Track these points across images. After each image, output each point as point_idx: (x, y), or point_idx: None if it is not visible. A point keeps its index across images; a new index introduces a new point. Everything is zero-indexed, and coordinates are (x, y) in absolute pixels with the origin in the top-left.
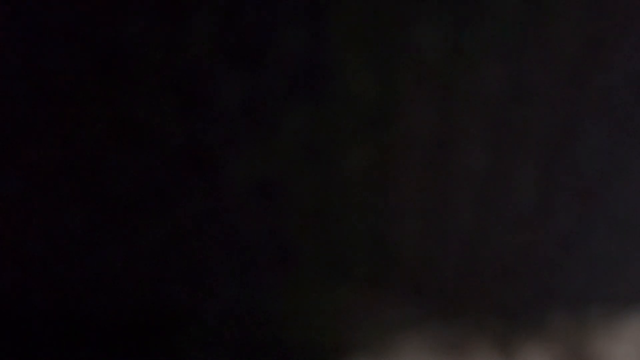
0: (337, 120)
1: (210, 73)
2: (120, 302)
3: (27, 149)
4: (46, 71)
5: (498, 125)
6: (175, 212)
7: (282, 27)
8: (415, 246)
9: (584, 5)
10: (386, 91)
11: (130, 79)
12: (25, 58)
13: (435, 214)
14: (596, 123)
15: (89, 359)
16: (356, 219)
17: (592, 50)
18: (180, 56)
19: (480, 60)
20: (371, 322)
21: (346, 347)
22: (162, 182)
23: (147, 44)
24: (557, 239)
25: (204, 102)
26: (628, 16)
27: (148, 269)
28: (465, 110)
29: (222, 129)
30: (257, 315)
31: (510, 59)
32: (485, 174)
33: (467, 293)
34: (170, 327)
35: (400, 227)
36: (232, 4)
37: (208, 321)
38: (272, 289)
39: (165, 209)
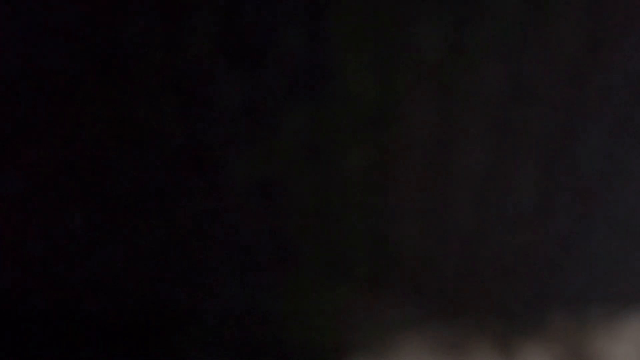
0: (337, 120)
1: (210, 73)
2: (120, 302)
3: (27, 149)
4: (46, 71)
5: (498, 125)
6: (175, 212)
7: (282, 27)
8: (415, 246)
9: (584, 5)
10: (386, 91)
11: (130, 79)
12: (25, 58)
13: (435, 214)
14: (596, 123)
15: (89, 359)
16: (356, 219)
17: (592, 50)
18: (180, 56)
19: (480, 60)
20: (371, 322)
21: (346, 347)
22: (162, 182)
23: (147, 44)
24: (557, 239)
25: (204, 102)
26: (628, 16)
27: (148, 269)
28: (465, 110)
29: (222, 129)
30: (257, 315)
31: (510, 59)
32: (485, 174)
33: (467, 293)
34: (170, 327)
35: (400, 227)
36: (232, 4)
37: (208, 321)
38: (272, 289)
39: (165, 209)
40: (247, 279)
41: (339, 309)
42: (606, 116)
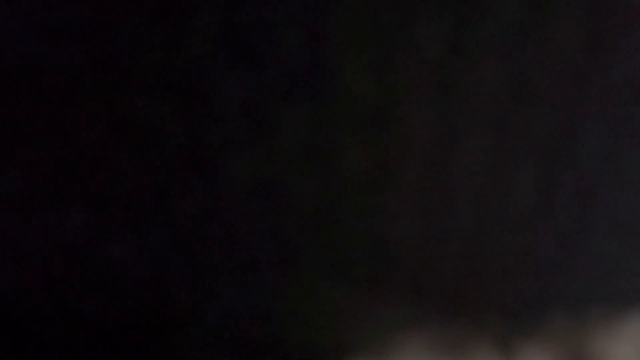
0: (337, 120)
1: (210, 73)
2: (120, 302)
3: (27, 149)
4: (46, 71)
5: (498, 125)
6: (175, 212)
7: (282, 27)
8: (415, 246)
9: (584, 5)
10: (386, 91)
11: (130, 79)
12: (25, 58)
13: (435, 214)
14: (596, 123)
15: (89, 359)
16: (356, 219)
17: (592, 50)
18: (180, 56)
19: (480, 60)
20: (371, 322)
21: (346, 347)
22: (162, 182)
23: (147, 44)
24: (557, 239)
25: (204, 102)
26: (628, 16)
27: (148, 269)
28: (465, 110)
29: (222, 129)
30: (257, 315)
31: (510, 59)
32: (485, 174)
33: (467, 293)
34: (170, 327)
35: (400, 227)
36: (232, 4)
37: (208, 321)
38: (272, 289)
39: (165, 209)
40: (247, 279)
41: (339, 309)
42: (606, 116)
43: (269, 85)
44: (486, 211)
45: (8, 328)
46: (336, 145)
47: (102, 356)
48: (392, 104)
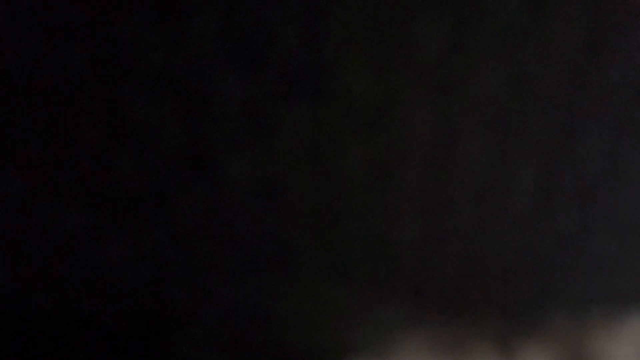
0: (337, 120)
1: (210, 73)
2: (120, 302)
3: (27, 149)
4: (46, 71)
5: (498, 125)
6: (175, 212)
7: (282, 27)
8: (415, 246)
9: (584, 5)
10: (386, 91)
11: (130, 79)
12: (25, 58)
13: (435, 214)
14: (596, 123)
15: (89, 359)
16: (356, 219)
17: (592, 50)
18: (180, 56)
19: (480, 60)
20: (371, 322)
21: (346, 347)
22: (162, 182)
23: (147, 44)
24: (557, 239)
25: (204, 102)
26: (628, 16)
27: (148, 269)
28: (465, 110)
29: (222, 129)
30: (257, 315)
31: (510, 59)
32: (485, 174)
33: (467, 293)
34: (170, 327)
35: (400, 227)
36: (232, 4)
37: (208, 321)
38: (272, 289)
39: (165, 209)
40: (247, 279)
41: (339, 309)
42: (606, 116)
43: (269, 85)
44: (486, 211)
45: (8, 328)
46: (336, 145)
47: (102, 356)
48: (392, 104)
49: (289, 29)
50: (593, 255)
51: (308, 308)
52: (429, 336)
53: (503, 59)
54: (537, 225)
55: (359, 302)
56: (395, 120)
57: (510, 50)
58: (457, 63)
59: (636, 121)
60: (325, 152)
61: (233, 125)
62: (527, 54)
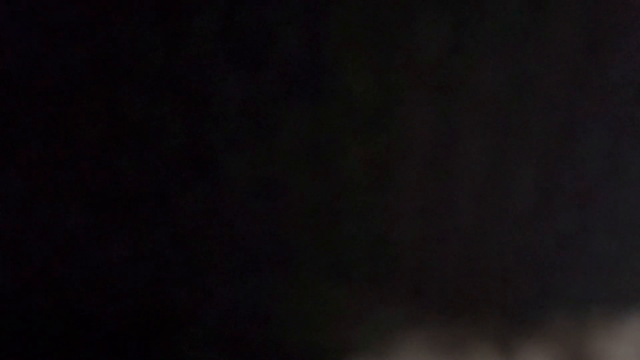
0: (337, 120)
1: (210, 73)
2: (120, 302)
3: (27, 149)
4: (46, 71)
5: (498, 125)
6: (175, 212)
7: (282, 27)
8: (415, 246)
9: (584, 5)
10: (386, 91)
11: (130, 79)
12: (25, 58)
13: (435, 214)
14: (596, 123)
15: (89, 359)
16: (356, 219)
17: (592, 50)
18: (180, 56)
19: (480, 60)
20: (371, 322)
21: (346, 347)
22: (162, 182)
23: (147, 44)
24: (557, 239)
25: (204, 102)
26: (628, 16)
27: (148, 269)
28: (465, 110)
29: (222, 129)
30: (257, 315)
31: (510, 59)
32: (485, 174)
33: (467, 293)
34: (170, 327)
35: (400, 227)
36: (232, 4)
37: (208, 321)
38: (272, 289)
39: (165, 209)
40: (247, 279)
41: (339, 309)
42: (606, 116)
43: (269, 85)
44: (486, 211)
45: (8, 328)
46: (336, 145)
47: (102, 356)
48: (392, 104)
49: (289, 29)
50: (593, 255)
51: (308, 308)
52: (429, 336)
53: (503, 59)
54: (537, 225)
55: (359, 302)
56: (395, 120)
57: (510, 50)
58: (457, 63)
59: (636, 121)
60: (325, 152)
61: (233, 125)
62: (527, 54)
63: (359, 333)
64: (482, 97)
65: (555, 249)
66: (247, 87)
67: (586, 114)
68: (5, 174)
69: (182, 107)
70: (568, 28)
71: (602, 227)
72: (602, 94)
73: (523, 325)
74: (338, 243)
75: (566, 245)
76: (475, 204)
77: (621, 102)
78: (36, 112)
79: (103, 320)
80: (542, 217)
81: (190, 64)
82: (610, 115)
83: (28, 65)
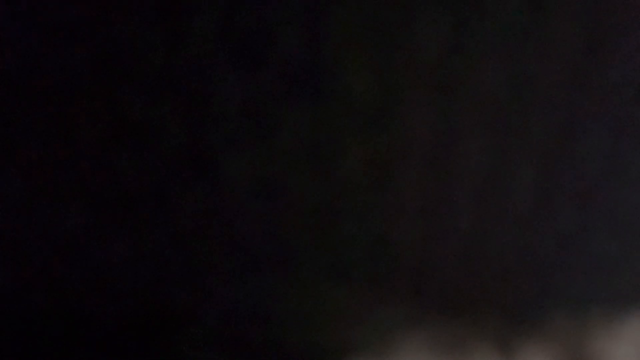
0: (337, 120)
1: (210, 73)
2: (120, 302)
3: (27, 149)
4: (46, 71)
5: (498, 125)
6: (175, 212)
7: (282, 27)
8: (415, 246)
9: (584, 5)
10: (386, 91)
11: (130, 79)
12: (25, 58)
13: (435, 214)
14: (596, 123)
15: (89, 359)
16: (356, 219)
17: (592, 50)
18: (180, 56)
19: (480, 60)
20: (371, 322)
21: (346, 347)
22: (162, 182)
23: (147, 44)
24: (557, 239)
25: (204, 102)
26: (628, 16)
27: (148, 269)
28: (465, 110)
29: (222, 129)
30: (257, 315)
31: (510, 59)
32: (485, 174)
33: (467, 293)
34: (170, 327)
35: (400, 227)
36: (232, 4)
37: (208, 321)
38: (272, 289)
39: (165, 209)
40: (247, 279)
41: (339, 309)
42: (606, 116)
43: (269, 85)
44: (486, 211)
45: (8, 328)
46: (336, 145)
47: (102, 356)
48: (392, 104)
49: (289, 29)
50: (593, 255)
51: (308, 308)
52: (429, 336)
53: (503, 59)
54: (537, 225)
55: (359, 302)
56: (395, 120)
57: (510, 50)
58: (457, 63)
59: (636, 121)
60: (325, 152)
61: (233, 125)
62: (527, 54)
63: (359, 333)
64: (482, 97)
65: (555, 249)
66: (247, 87)
67: (586, 114)
68: (5, 174)
69: (182, 107)
70: (568, 28)
71: (602, 227)
72: (602, 94)
73: (523, 325)
74: (338, 243)
75: (566, 245)
76: (475, 204)
77: (621, 102)
78: (36, 112)
79: (103, 320)
80: (542, 217)
81: (190, 64)
82: (610, 115)
83: (28, 65)
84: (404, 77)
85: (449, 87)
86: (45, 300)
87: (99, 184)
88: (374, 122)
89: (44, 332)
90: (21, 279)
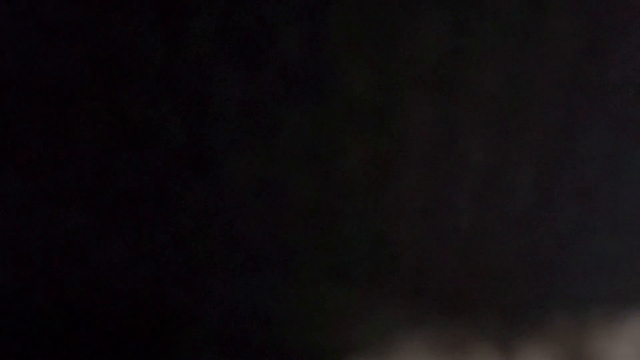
0: (337, 120)
1: (210, 73)
2: (120, 302)
3: (27, 149)
4: (46, 71)
5: (498, 125)
6: (175, 212)
7: (282, 27)
8: (415, 246)
9: (584, 5)
10: (386, 91)
11: (130, 79)
12: (25, 58)
13: (435, 214)
14: (596, 123)
15: (89, 359)
16: (356, 219)
17: (592, 50)
18: (180, 56)
19: (480, 60)
20: (371, 322)
21: (346, 347)
22: (162, 182)
23: (147, 44)
24: (557, 239)
25: (204, 102)
26: (628, 16)
27: (148, 269)
28: (465, 110)
29: (222, 129)
30: (257, 315)
31: (510, 59)
32: (485, 174)
33: (467, 293)
34: (170, 327)
35: (400, 227)
36: (232, 4)
37: (208, 321)
38: (272, 289)
39: (165, 209)
40: (247, 279)
41: (339, 309)
42: (606, 116)
43: (269, 85)
44: (486, 211)
45: (8, 328)
46: (336, 145)
47: (102, 356)
48: (392, 104)
49: (289, 29)
50: (593, 255)
51: (308, 308)
52: (429, 336)
53: (503, 59)
54: (537, 225)
55: (359, 302)
56: (395, 120)
57: (510, 50)
58: (457, 63)
59: (636, 121)
60: (325, 152)
61: (233, 125)
62: (527, 54)
63: (359, 333)
64: (482, 97)
65: (555, 249)
66: (247, 87)
67: (586, 114)
68: (5, 174)
69: (182, 107)
70: (568, 28)
71: (602, 227)
72: (602, 94)
73: (523, 325)
74: (338, 243)
75: (566, 245)
76: (475, 204)
77: (621, 102)
78: (36, 112)
79: (103, 320)
80: (542, 217)
81: (190, 64)
82: (610, 115)
83: (28, 65)
84: (404, 77)
85: (449, 87)
86: (45, 300)
87: (99, 184)
88: (374, 122)
89: (44, 332)
90: (21, 279)
